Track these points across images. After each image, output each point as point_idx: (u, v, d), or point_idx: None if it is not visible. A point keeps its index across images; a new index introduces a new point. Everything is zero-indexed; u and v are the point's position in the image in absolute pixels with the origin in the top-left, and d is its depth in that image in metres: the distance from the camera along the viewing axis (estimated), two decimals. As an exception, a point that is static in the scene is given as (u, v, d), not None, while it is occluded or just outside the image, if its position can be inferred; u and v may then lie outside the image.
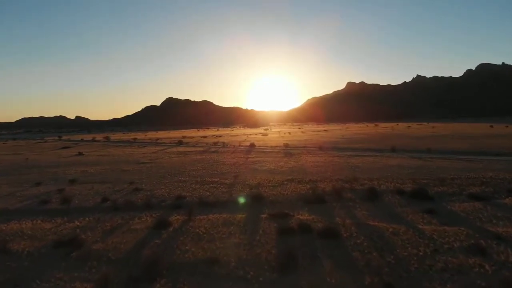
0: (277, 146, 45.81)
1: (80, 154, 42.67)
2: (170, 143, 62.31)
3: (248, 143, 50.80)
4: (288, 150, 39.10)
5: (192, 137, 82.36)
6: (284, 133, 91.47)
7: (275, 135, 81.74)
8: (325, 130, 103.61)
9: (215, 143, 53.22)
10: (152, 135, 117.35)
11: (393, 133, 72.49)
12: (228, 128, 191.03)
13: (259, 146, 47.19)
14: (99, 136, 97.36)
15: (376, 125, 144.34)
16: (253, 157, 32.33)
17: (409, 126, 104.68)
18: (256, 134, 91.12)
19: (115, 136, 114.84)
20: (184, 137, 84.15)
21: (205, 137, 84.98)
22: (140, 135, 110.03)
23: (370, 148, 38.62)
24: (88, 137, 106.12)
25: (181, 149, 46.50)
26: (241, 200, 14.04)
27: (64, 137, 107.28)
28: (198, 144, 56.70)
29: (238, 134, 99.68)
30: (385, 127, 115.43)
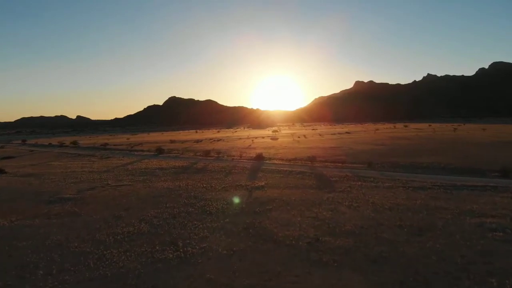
0: (297, 159, 32.57)
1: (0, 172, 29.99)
2: (149, 150, 49.38)
3: (253, 153, 37.64)
4: (318, 170, 25.80)
5: (183, 142, 69.40)
6: (298, 137, 78.03)
7: (288, 139, 68.33)
8: (347, 133, 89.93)
9: (207, 153, 40.11)
10: (139, 138, 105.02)
11: (444, 138, 58.63)
12: (231, 129, 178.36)
13: (269, 159, 34.02)
14: (70, 140, 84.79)
15: (405, 126, 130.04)
16: (262, 186, 19.14)
17: (455, 128, 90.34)
18: (263, 138, 77.83)
19: (95, 139, 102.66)
20: (173, 141, 71.32)
21: (200, 141, 72.06)
22: (122, 138, 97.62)
23: (451, 167, 25.12)
24: (65, 140, 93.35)
25: (154, 162, 33.47)
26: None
27: (33, 141, 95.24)
28: (185, 153, 43.66)
29: (242, 137, 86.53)
30: (419, 129, 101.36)
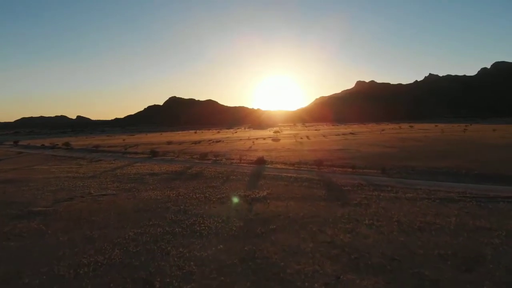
0: (301, 163, 30.23)
1: (-24, 177, 27.70)
2: (143, 152, 47.09)
3: (254, 156, 35.33)
4: (327, 176, 23.45)
5: (180, 143, 67.11)
6: (301, 138, 75.69)
7: (290, 141, 66.01)
8: (351, 134, 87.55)
9: (204, 156, 37.80)
10: (136, 139, 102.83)
11: (455, 139, 56.23)
12: (231, 130, 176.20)
13: (271, 162, 31.71)
14: (65, 141, 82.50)
15: (411, 126, 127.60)
16: (264, 197, 16.81)
17: (465, 129, 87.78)
18: (264, 139, 75.57)
19: (91, 140, 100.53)
20: (170, 142, 69.06)
21: (198, 142, 69.82)
22: (118, 139, 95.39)
23: (474, 172, 22.75)
24: (61, 140, 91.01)
25: (146, 167, 31.18)
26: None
27: (26, 142, 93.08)
28: (181, 155, 41.37)
29: (242, 138, 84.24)
30: (426, 129, 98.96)
